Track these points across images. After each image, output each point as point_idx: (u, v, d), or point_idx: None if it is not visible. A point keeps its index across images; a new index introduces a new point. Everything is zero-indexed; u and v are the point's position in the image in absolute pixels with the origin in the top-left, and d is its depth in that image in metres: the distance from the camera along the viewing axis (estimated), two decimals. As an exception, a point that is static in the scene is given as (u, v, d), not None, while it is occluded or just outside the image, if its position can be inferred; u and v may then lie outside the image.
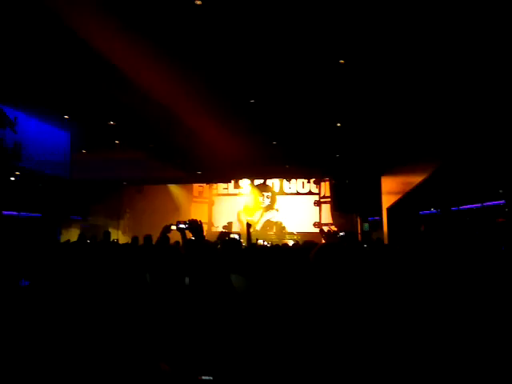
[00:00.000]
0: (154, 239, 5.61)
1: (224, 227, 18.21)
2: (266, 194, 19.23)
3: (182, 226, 3.51)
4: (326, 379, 1.77)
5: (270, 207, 19.24)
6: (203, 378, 1.77)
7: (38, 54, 5.80)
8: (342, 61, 5.88)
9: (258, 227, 18.63)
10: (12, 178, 9.12)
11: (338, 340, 1.99)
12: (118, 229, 15.55)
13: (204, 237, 3.21)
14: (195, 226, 3.02)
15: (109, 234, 7.93)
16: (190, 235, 4.01)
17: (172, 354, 2.02)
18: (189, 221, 3.30)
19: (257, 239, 7.01)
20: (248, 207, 19.33)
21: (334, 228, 16.13)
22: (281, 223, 18.74)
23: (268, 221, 18.91)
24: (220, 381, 1.75)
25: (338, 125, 8.77)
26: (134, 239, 8.22)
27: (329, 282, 2.60)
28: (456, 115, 7.37)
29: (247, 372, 1.85)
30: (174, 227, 3.99)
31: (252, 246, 5.07)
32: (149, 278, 2.73)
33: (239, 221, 19.11)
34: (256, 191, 19.19)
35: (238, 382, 1.77)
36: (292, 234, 17.82)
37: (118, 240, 12.22)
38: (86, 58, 5.79)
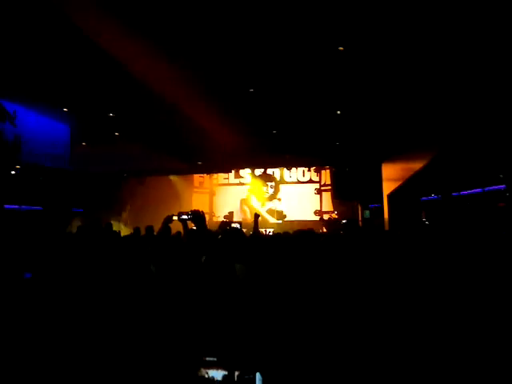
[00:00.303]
0: (156, 230, 5.64)
1: (225, 217, 18.25)
2: (269, 183, 19.24)
3: (184, 216, 3.54)
4: (322, 363, 1.80)
5: (273, 197, 19.24)
6: (207, 359, 1.81)
7: (37, 46, 5.77)
8: (341, 48, 5.85)
9: (262, 216, 18.69)
10: (12, 172, 9.13)
11: (338, 328, 2.01)
12: (119, 221, 15.57)
13: (206, 227, 3.24)
14: (198, 217, 3.05)
15: (110, 225, 7.94)
16: (191, 225, 4.03)
17: (178, 338, 2.05)
18: (191, 211, 3.33)
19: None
20: (251, 196, 19.35)
21: (334, 216, 16.16)
22: (281, 211, 18.76)
23: (270, 209, 18.93)
24: (223, 361, 1.79)
25: (338, 112, 8.74)
26: (136, 230, 8.25)
27: (330, 270, 2.62)
28: (455, 101, 7.35)
29: (249, 353, 1.88)
30: (175, 218, 4.01)
31: (256, 235, 5.10)
32: (154, 268, 2.74)
33: (242, 210, 19.15)
34: (258, 181, 19.19)
35: (240, 362, 1.81)
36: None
37: (120, 232, 12.25)
38: (83, 50, 5.76)
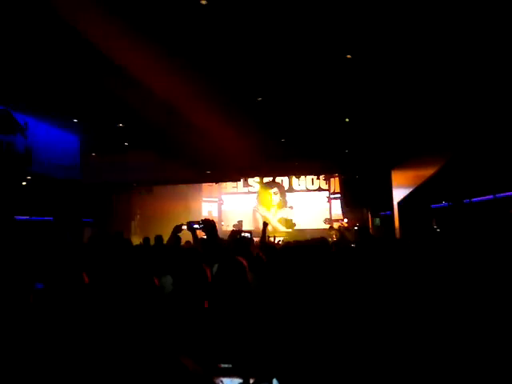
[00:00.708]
0: (165, 239, 5.64)
1: (234, 226, 18.25)
2: (272, 190, 19.21)
3: (196, 226, 3.51)
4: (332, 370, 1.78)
5: (282, 205, 19.22)
6: (222, 365, 1.79)
7: (46, 57, 5.83)
8: (348, 55, 5.84)
9: (272, 225, 18.69)
10: (23, 183, 9.20)
11: (350, 336, 1.99)
12: (129, 230, 15.63)
13: (218, 236, 3.22)
14: (209, 226, 3.03)
15: (121, 234, 7.96)
16: (200, 234, 4.02)
17: (192, 345, 2.03)
18: (202, 221, 3.31)
19: (268, 237, 7.04)
20: (262, 204, 19.36)
21: (345, 224, 16.08)
22: (291, 220, 18.73)
23: (280, 218, 18.91)
24: (238, 368, 1.77)
25: (347, 120, 8.73)
26: (146, 240, 8.26)
27: (342, 280, 2.60)
28: (465, 107, 7.30)
29: (265, 360, 1.87)
30: (184, 227, 3.99)
31: (264, 244, 5.07)
32: (170, 278, 2.73)
33: (254, 219, 19.14)
34: (264, 189, 19.20)
35: (256, 369, 1.79)
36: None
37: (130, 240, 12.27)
38: (93, 60, 5.81)
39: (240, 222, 18.71)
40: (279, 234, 17.24)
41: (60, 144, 9.23)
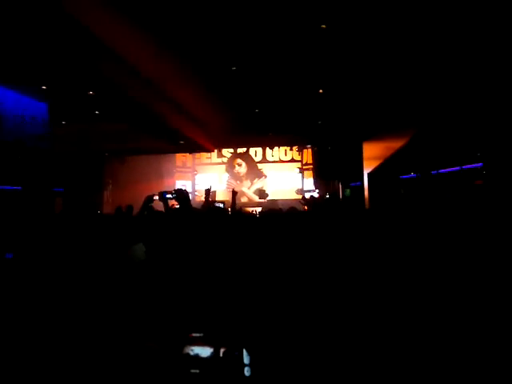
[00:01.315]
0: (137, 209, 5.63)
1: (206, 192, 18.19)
2: (236, 161, 19.24)
3: (168, 195, 3.51)
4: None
5: (251, 176, 19.27)
6: (193, 335, 1.84)
7: (11, 20, 5.62)
8: (323, 25, 5.85)
9: (247, 196, 18.83)
10: (-9, 151, 8.96)
11: (321, 308, 2.08)
12: (101, 200, 15.47)
13: (191, 206, 3.25)
14: (182, 196, 3.06)
15: (93, 204, 7.91)
16: (174, 204, 4.04)
17: (163, 315, 2.09)
18: (175, 191, 3.32)
19: (240, 207, 7.08)
20: (233, 176, 19.36)
21: (315, 195, 16.29)
22: (264, 191, 18.84)
23: (256, 189, 18.97)
24: (209, 338, 1.83)
25: (320, 91, 8.77)
26: (118, 209, 8.21)
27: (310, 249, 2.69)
28: (434, 80, 7.43)
29: (236, 330, 1.93)
30: (156, 197, 3.99)
31: (236, 213, 5.12)
32: (143, 248, 2.76)
33: (228, 190, 19.15)
34: (232, 159, 19.22)
35: (227, 339, 1.85)
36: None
37: (101, 212, 12.18)
38: (62, 25, 5.63)
39: (213, 193, 18.66)
40: (255, 204, 17.33)
41: (29, 112, 8.97)
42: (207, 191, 4.70)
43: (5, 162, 9.52)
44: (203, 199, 4.84)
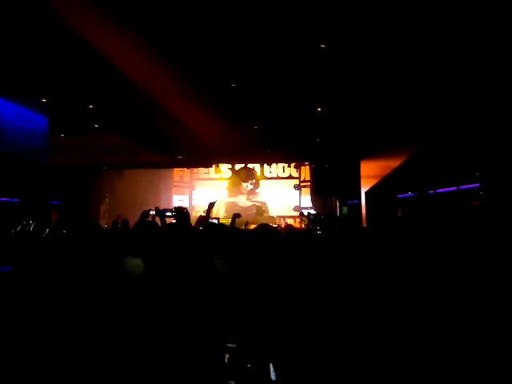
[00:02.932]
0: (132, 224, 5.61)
1: (204, 211, 18.14)
2: (247, 183, 19.17)
3: (168, 213, 3.50)
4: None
5: (252, 192, 19.23)
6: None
7: (14, 34, 5.67)
8: (322, 45, 5.91)
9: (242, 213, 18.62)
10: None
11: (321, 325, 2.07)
12: (97, 214, 15.43)
13: (190, 224, 3.24)
14: (182, 214, 3.05)
15: (88, 217, 7.89)
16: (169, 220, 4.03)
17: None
18: (175, 208, 3.32)
19: (246, 222, 7.05)
20: (231, 192, 19.25)
21: (312, 212, 16.29)
22: (261, 207, 18.81)
23: (252, 205, 18.90)
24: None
25: (319, 110, 8.83)
26: (114, 224, 8.18)
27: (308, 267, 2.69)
28: (433, 101, 7.51)
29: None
30: (152, 212, 3.99)
31: (234, 230, 5.11)
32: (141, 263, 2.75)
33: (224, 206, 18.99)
34: (238, 177, 19.09)
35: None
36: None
37: (97, 223, 12.08)
38: (63, 40, 5.69)
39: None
40: (250, 221, 17.27)
41: (28, 124, 9.00)
42: (211, 205, 4.71)
43: (3, 174, 9.51)
44: (202, 214, 4.83)
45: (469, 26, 5.13)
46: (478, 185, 8.48)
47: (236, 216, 5.25)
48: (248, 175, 19.10)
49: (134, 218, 5.28)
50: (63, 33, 5.42)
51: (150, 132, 10.74)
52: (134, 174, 16.41)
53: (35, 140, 9.21)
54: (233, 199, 19.04)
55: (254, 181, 19.11)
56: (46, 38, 5.72)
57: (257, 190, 19.24)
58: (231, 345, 1.89)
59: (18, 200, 10.75)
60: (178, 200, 19.40)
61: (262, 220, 17.30)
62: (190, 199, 20.02)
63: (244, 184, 19.09)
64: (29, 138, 8.99)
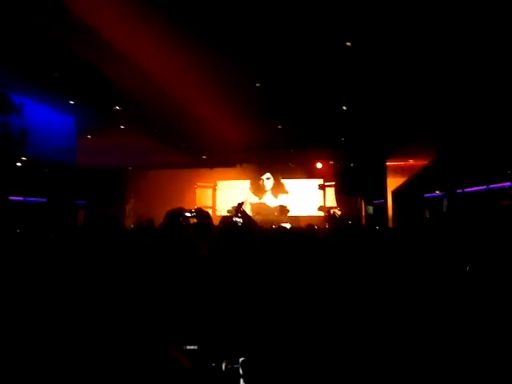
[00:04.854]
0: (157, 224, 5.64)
1: (228, 211, 18.19)
2: (265, 176, 18.98)
3: (188, 214, 3.52)
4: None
5: (277, 190, 19.04)
6: (188, 347, 1.80)
7: (42, 38, 5.78)
8: (348, 43, 5.84)
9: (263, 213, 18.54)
10: (18, 164, 9.16)
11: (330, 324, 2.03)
12: (123, 213, 15.65)
13: (212, 226, 3.24)
14: (204, 217, 3.05)
15: (115, 217, 7.95)
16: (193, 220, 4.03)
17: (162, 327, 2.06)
18: (195, 210, 3.34)
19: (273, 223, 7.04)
20: (254, 193, 19.16)
21: (338, 212, 16.14)
22: (285, 206, 18.67)
23: (277, 206, 18.74)
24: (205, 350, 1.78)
25: (344, 108, 8.73)
26: (139, 224, 8.25)
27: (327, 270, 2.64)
28: (462, 97, 7.33)
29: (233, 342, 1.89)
30: (187, 214, 4.01)
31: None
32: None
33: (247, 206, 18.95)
34: (256, 175, 18.95)
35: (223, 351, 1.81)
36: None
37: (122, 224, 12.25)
38: (90, 42, 5.77)
39: (234, 208, 18.58)
40: (273, 220, 17.20)
41: (56, 126, 9.17)
42: (240, 205, 4.72)
43: (31, 175, 9.73)
44: (227, 213, 4.83)
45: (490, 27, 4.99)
46: (509, 183, 8.24)
47: (240, 205, 5.18)
48: (261, 171, 18.75)
49: (158, 218, 5.31)
50: (89, 35, 5.49)
51: (175, 132, 10.81)
52: (159, 174, 16.57)
53: (62, 141, 9.37)
54: (257, 200, 18.98)
55: (269, 175, 18.83)
56: (73, 42, 5.81)
57: (286, 188, 18.98)
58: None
59: (45, 200, 11.00)
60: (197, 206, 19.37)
61: (285, 219, 17.22)
62: (214, 199, 20.06)
63: (261, 183, 18.87)
64: (56, 139, 9.16)
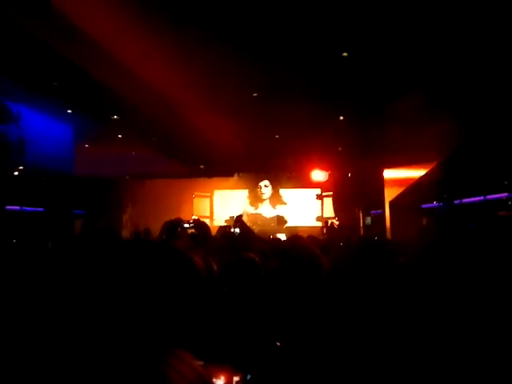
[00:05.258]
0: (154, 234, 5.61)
1: (226, 221, 18.13)
2: (263, 183, 18.89)
3: (186, 225, 3.54)
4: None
5: (276, 200, 18.95)
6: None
7: (40, 46, 5.78)
8: (345, 53, 5.87)
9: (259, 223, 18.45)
10: (16, 173, 9.13)
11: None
12: (120, 223, 15.59)
13: (210, 237, 3.23)
14: (202, 228, 3.05)
15: (112, 228, 7.93)
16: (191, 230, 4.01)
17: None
18: (193, 221, 3.35)
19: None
20: (251, 203, 19.08)
21: (336, 222, 16.12)
22: (282, 217, 18.61)
23: (274, 216, 18.66)
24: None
25: (341, 118, 8.76)
26: (137, 234, 8.23)
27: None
28: (458, 108, 7.36)
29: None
30: (186, 225, 4.01)
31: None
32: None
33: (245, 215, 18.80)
34: (254, 184, 18.86)
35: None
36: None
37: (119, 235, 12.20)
38: (88, 51, 5.78)
39: (231, 218, 18.53)
40: (270, 230, 17.13)
41: (53, 135, 9.17)
42: (238, 217, 4.70)
43: (29, 184, 9.69)
44: (224, 224, 4.82)
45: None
46: (506, 194, 8.25)
47: (240, 216, 5.15)
48: (259, 179, 18.67)
49: (155, 227, 5.29)
50: (86, 43, 5.50)
51: (172, 142, 10.82)
52: (156, 183, 16.55)
53: (60, 150, 9.37)
54: (254, 210, 18.91)
55: (267, 183, 18.73)
56: (71, 51, 5.82)
57: (283, 199, 18.89)
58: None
59: (42, 209, 10.95)
60: (192, 217, 19.22)
61: (282, 230, 17.17)
62: (211, 208, 19.99)
63: (259, 191, 18.77)
64: (54, 148, 9.15)
